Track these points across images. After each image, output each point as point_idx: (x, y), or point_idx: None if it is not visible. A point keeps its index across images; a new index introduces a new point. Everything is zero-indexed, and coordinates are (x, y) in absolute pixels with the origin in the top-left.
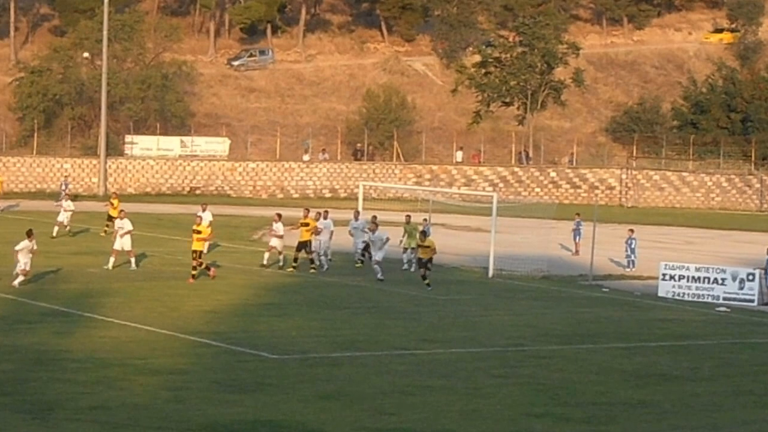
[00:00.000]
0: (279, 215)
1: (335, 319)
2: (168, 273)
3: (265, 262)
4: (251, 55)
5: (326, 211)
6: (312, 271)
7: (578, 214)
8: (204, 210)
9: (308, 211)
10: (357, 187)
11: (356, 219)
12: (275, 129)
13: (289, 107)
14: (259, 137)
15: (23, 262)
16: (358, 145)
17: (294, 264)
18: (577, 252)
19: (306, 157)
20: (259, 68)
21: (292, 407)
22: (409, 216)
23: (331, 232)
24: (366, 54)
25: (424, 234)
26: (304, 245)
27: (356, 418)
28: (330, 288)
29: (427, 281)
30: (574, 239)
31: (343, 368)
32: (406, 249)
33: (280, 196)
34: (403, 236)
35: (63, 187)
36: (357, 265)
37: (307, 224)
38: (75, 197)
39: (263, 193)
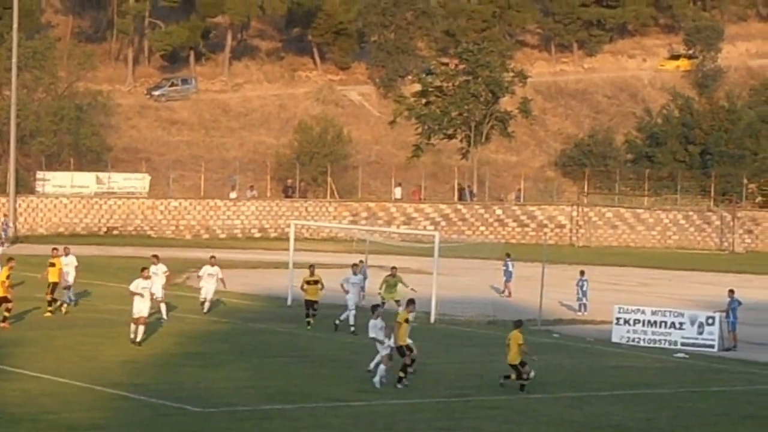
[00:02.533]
0: (213, 257)
1: (265, 369)
2: (83, 320)
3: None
4: (173, 85)
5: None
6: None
7: (508, 255)
8: (67, 254)
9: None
10: (288, 226)
11: (354, 273)
12: (199, 164)
13: (214, 140)
14: (182, 173)
15: None
16: (289, 181)
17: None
18: (508, 294)
19: (233, 195)
20: (182, 98)
21: None
22: (395, 268)
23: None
24: (297, 83)
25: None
26: (311, 304)
27: None
28: (260, 335)
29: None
30: (505, 280)
31: (274, 422)
32: (384, 301)
33: (206, 236)
34: (382, 287)
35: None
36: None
37: (315, 281)
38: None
39: (187, 234)
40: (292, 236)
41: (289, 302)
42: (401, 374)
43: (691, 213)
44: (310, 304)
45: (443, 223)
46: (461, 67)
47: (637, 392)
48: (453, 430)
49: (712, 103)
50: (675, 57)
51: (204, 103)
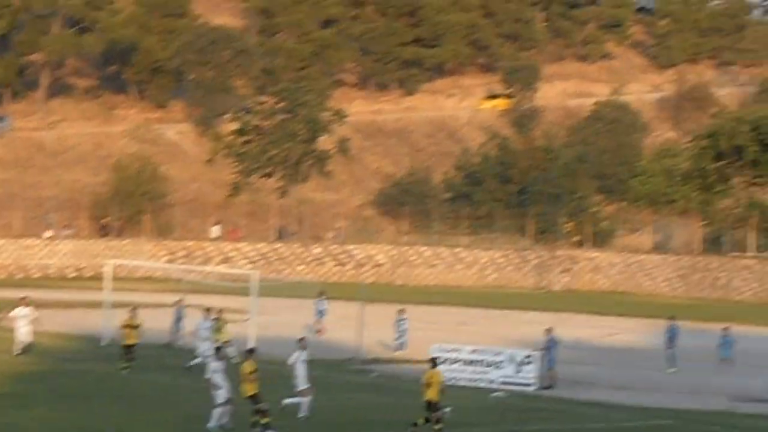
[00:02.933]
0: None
1: (82, 410)
2: None
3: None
4: None
5: (134, 308)
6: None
7: (322, 293)
8: None
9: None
10: (104, 265)
11: (205, 319)
12: (14, 202)
13: (29, 179)
14: None
15: None
16: (105, 220)
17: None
18: (319, 331)
19: (48, 234)
20: None
21: None
22: (221, 311)
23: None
24: (114, 121)
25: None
26: (130, 348)
27: None
28: (75, 375)
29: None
30: (318, 318)
31: None
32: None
33: (20, 276)
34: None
35: None
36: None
37: (136, 326)
38: None
39: (0, 273)
40: (108, 276)
41: (102, 342)
42: (260, 420)
43: (508, 252)
44: (129, 348)
45: (262, 262)
46: (279, 105)
47: None
48: None
49: (530, 143)
50: (493, 97)
51: (19, 141)
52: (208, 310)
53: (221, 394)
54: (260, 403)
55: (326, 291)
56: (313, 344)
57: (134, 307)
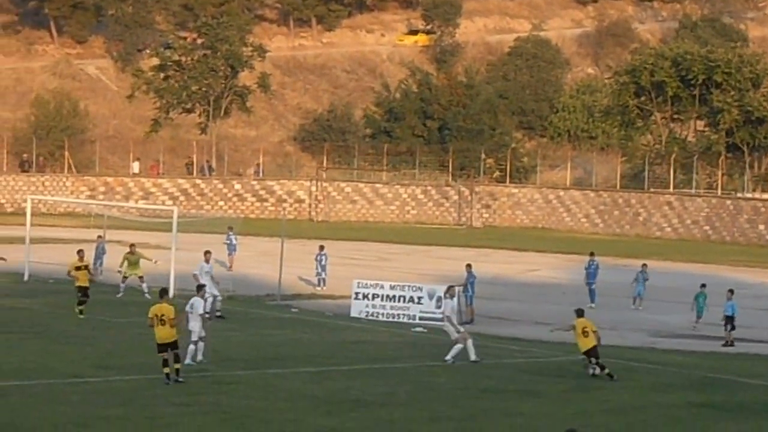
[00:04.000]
0: None
1: (2, 345)
2: None
3: None
4: None
5: (81, 250)
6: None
7: (230, 228)
8: None
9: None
10: (25, 201)
11: (207, 261)
12: None
13: None
14: None
15: None
16: (26, 155)
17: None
18: (230, 267)
19: None
20: None
21: None
22: (133, 245)
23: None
24: (34, 57)
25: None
26: (83, 290)
27: None
28: None
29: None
30: (228, 253)
31: (11, 398)
32: (126, 277)
33: None
34: (123, 264)
35: None
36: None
37: (85, 267)
38: None
39: None
40: (29, 211)
41: (26, 278)
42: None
43: (429, 188)
44: (82, 290)
45: (182, 198)
46: (200, 41)
47: (377, 366)
48: (191, 405)
49: (451, 79)
50: (413, 32)
51: None
52: (207, 252)
53: (196, 332)
54: (177, 349)
55: (234, 226)
56: (230, 280)
57: (80, 249)
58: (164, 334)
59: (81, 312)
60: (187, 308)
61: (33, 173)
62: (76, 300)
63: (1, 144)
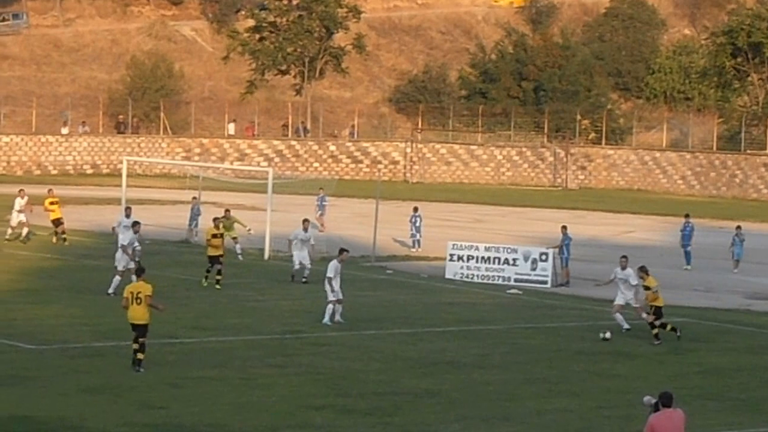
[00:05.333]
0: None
1: (98, 306)
2: None
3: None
4: (3, 19)
5: (216, 218)
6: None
7: (321, 189)
8: None
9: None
10: (120, 162)
11: (305, 230)
12: (31, 100)
13: (45, 76)
14: (13, 108)
15: None
16: (122, 116)
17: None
18: (322, 228)
19: (65, 130)
20: (13, 33)
21: (52, 401)
22: (228, 210)
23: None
24: (129, 18)
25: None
26: (215, 259)
27: (122, 413)
28: (92, 272)
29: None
30: (319, 215)
31: (107, 359)
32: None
33: (37, 172)
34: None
35: None
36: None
37: (221, 235)
38: None
39: (18, 170)
40: (124, 172)
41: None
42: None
43: (524, 149)
44: (214, 259)
45: (277, 160)
46: (295, 2)
47: (471, 328)
48: (287, 367)
49: (546, 40)
50: None
51: (35, 38)
52: (306, 220)
53: (332, 293)
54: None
55: (326, 187)
56: (324, 241)
57: (216, 218)
58: (137, 314)
59: (218, 282)
60: (329, 273)
61: (129, 135)
62: (210, 271)
63: (97, 106)
